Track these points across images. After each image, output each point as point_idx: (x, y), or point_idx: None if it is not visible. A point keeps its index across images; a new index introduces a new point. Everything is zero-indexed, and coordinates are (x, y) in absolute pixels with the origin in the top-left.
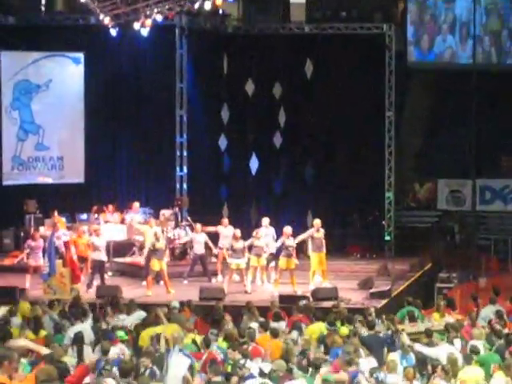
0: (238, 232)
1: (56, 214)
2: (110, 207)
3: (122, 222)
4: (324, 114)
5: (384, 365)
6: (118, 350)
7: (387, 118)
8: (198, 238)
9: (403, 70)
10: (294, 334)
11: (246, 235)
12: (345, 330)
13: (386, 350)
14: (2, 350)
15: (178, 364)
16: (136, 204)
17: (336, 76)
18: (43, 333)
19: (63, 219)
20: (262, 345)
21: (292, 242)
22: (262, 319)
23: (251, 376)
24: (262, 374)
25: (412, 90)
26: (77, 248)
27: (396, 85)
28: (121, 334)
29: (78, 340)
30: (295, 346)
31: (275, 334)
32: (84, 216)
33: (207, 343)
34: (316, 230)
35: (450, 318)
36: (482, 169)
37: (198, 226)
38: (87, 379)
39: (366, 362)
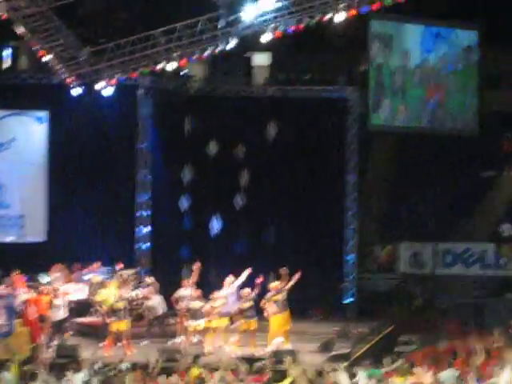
0: (198, 292)
1: (16, 272)
2: (76, 267)
3: (80, 281)
4: (286, 175)
5: None
6: None
7: (348, 181)
8: (156, 299)
9: (366, 133)
10: None
11: (207, 296)
12: None
13: None
14: None
15: None
16: (97, 263)
17: (298, 138)
18: None
19: (23, 278)
20: None
21: (251, 303)
22: None
23: None
24: None
25: (374, 153)
26: (38, 307)
27: (359, 147)
28: None
29: None
30: None
31: None
32: (45, 277)
33: None
34: (275, 293)
35: (410, 381)
36: (442, 232)
37: (157, 285)
38: None
39: None
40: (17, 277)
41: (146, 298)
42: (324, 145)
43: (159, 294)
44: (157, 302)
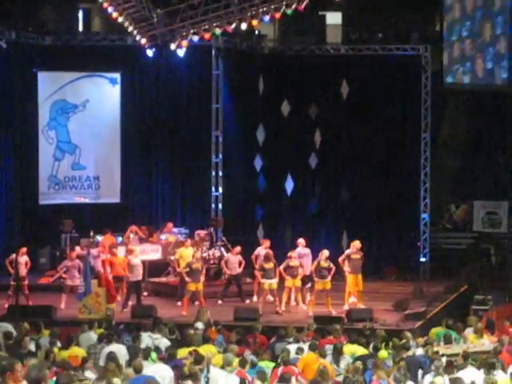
0: (270, 252)
1: (110, 233)
2: (144, 229)
3: (157, 241)
4: (359, 134)
5: None
6: (155, 369)
7: (423, 139)
8: (232, 259)
9: (440, 91)
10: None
11: (281, 256)
12: (384, 353)
13: (421, 372)
14: (6, 361)
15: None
16: (170, 224)
17: (372, 97)
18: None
19: (113, 238)
20: (306, 364)
21: (328, 264)
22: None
23: None
24: None
25: (449, 111)
26: (113, 268)
27: (432, 106)
28: (153, 355)
29: (112, 360)
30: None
31: (321, 355)
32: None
33: (243, 364)
34: (354, 252)
35: (487, 341)
36: None
37: (238, 248)
38: None
39: None
40: (107, 237)
41: (221, 257)
42: (397, 103)
43: (234, 253)
44: (233, 262)
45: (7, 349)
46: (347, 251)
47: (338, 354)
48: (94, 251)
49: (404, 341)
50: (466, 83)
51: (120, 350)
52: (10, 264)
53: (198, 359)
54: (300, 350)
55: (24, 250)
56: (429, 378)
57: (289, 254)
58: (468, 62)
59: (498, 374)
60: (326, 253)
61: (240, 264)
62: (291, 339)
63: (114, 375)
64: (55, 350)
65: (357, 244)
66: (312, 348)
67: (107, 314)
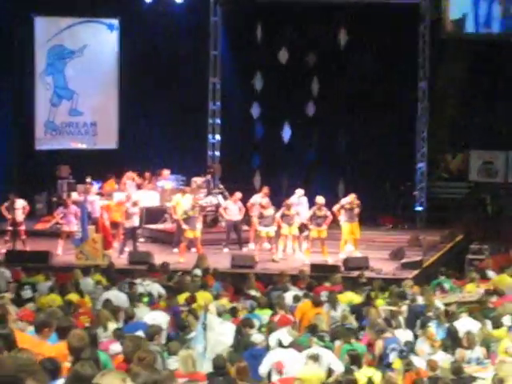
0: (268, 200)
1: (113, 178)
2: (147, 175)
3: (154, 188)
4: (357, 83)
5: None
6: (154, 316)
7: (420, 88)
8: (231, 206)
9: (438, 40)
10: (328, 304)
11: (278, 204)
12: (381, 301)
13: (419, 321)
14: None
15: (223, 332)
16: (166, 171)
17: (369, 45)
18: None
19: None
20: (303, 312)
21: (324, 212)
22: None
23: None
24: (280, 345)
25: (447, 61)
26: (109, 214)
27: (430, 55)
28: (144, 300)
29: (109, 306)
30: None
31: (317, 303)
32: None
33: (234, 312)
34: (349, 202)
35: (482, 290)
36: None
37: (238, 194)
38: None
39: (403, 334)
40: (109, 182)
41: (218, 204)
42: (396, 52)
43: (231, 201)
44: (232, 209)
45: None
46: (342, 201)
47: (334, 301)
48: (90, 197)
49: (402, 289)
50: (464, 32)
51: (118, 296)
52: (7, 209)
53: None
54: (296, 298)
55: (12, 195)
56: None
57: (285, 201)
58: (467, 10)
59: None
60: (320, 200)
61: (240, 211)
62: (287, 287)
63: (109, 321)
64: (53, 295)
65: (352, 196)
66: (307, 296)
67: (108, 260)
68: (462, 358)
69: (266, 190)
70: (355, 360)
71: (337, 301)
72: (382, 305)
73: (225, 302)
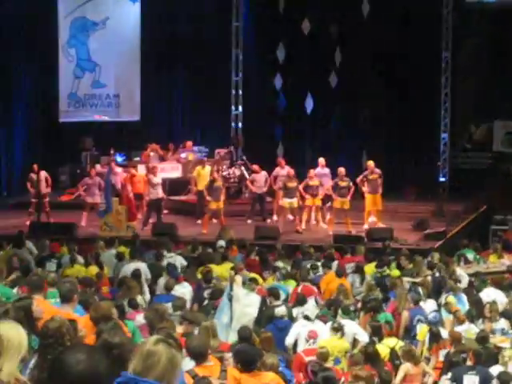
0: (292, 171)
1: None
2: (170, 146)
3: (177, 160)
4: (379, 53)
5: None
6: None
7: (443, 58)
8: (258, 178)
9: (462, 10)
10: (354, 276)
11: (301, 175)
12: (396, 271)
13: (443, 291)
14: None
15: (248, 303)
16: (189, 142)
17: (392, 16)
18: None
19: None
20: (327, 283)
21: (346, 183)
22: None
23: None
24: (306, 317)
25: (470, 31)
26: (133, 186)
27: (454, 25)
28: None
29: (136, 277)
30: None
31: (340, 273)
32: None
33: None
34: (370, 172)
35: (507, 261)
36: None
37: (256, 167)
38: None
39: (428, 304)
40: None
41: (241, 176)
42: (419, 22)
43: (259, 171)
44: (259, 180)
45: None
46: (365, 172)
47: (359, 272)
48: (115, 169)
49: (430, 259)
50: (487, 1)
51: (142, 267)
52: (30, 181)
53: (208, 278)
54: (314, 268)
55: (35, 166)
56: (449, 296)
57: (309, 173)
58: None
59: None
60: (342, 171)
61: (266, 182)
62: (310, 258)
63: (136, 292)
64: (77, 266)
65: (371, 164)
66: (330, 267)
67: (132, 232)
68: (488, 328)
69: (282, 161)
70: (377, 331)
71: (363, 272)
72: (397, 275)
73: (245, 273)
